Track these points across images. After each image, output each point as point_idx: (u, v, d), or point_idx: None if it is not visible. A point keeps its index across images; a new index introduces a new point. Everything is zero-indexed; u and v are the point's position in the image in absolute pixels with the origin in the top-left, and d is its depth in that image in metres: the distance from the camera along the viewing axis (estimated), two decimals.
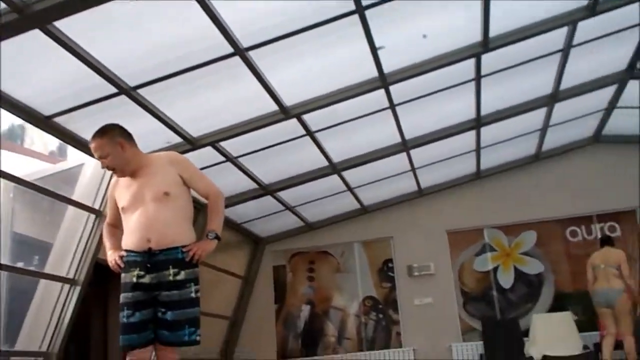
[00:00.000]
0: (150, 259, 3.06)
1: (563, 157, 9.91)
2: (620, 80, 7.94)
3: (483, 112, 7.77)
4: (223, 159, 6.99)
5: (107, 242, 3.37)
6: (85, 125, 5.41)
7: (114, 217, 3.36)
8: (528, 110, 7.99)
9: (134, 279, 3.05)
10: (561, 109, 8.27)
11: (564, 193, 9.64)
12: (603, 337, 7.45)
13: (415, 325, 9.52)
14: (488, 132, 8.35)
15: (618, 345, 7.21)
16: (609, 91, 8.26)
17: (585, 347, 7.87)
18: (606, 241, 7.56)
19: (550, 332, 8.13)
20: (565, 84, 7.64)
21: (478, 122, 7.96)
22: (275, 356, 9.73)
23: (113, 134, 3.18)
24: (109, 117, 5.28)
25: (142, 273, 3.05)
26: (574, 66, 7.16)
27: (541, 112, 8.33)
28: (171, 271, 3.06)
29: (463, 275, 9.75)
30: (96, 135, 3.18)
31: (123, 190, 3.23)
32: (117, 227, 3.32)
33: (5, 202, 5.84)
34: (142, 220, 3.09)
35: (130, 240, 3.13)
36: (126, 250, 3.14)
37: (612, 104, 8.69)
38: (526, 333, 8.39)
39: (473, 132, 8.27)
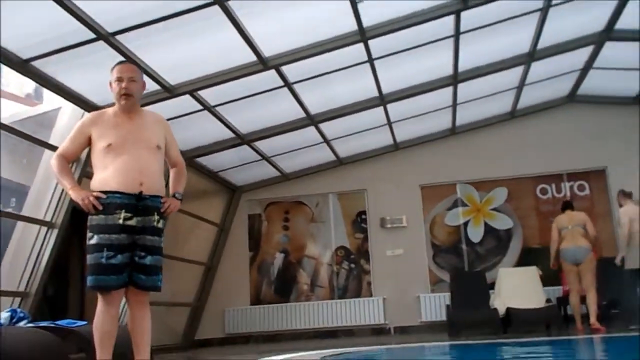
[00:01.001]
0: (139, 202, 3.11)
1: (538, 115, 10.04)
2: (597, 41, 7.98)
3: (460, 69, 7.81)
4: (201, 107, 6.97)
5: (65, 180, 3.22)
6: (62, 70, 5.41)
7: (73, 150, 3.28)
8: (505, 68, 8.04)
9: (120, 221, 3.05)
10: (538, 68, 8.33)
11: (536, 151, 9.82)
12: (567, 293, 7.83)
13: (386, 276, 9.79)
14: (465, 89, 8.41)
15: (581, 299, 7.61)
16: (585, 51, 8.31)
17: (548, 300, 8.19)
18: (568, 206, 7.94)
19: (515, 286, 8.43)
20: (543, 43, 7.68)
21: (455, 79, 7.99)
22: (249, 302, 9.97)
23: (141, 70, 3.40)
24: (86, 62, 5.30)
25: (129, 215, 3.07)
26: (552, 26, 7.19)
27: (518, 70, 8.38)
28: (156, 217, 3.17)
29: (434, 229, 9.99)
30: (129, 62, 3.45)
31: (108, 128, 3.20)
32: (69, 161, 3.32)
33: None
34: (135, 163, 3.13)
35: (118, 180, 3.09)
36: (109, 192, 3.08)
37: (589, 65, 8.76)
38: (492, 286, 8.69)
39: (450, 89, 8.31)
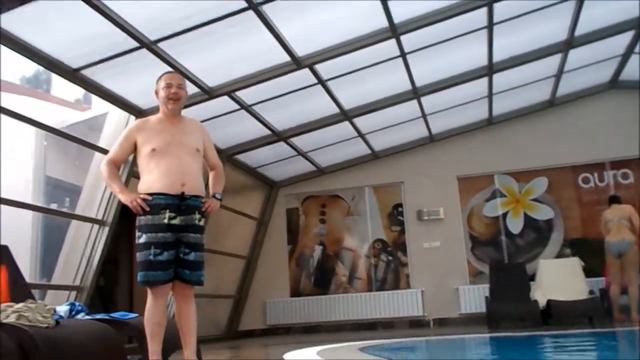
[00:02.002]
0: (182, 202, 3.29)
1: (578, 103, 9.87)
2: (638, 25, 7.81)
3: (495, 59, 7.76)
4: (238, 107, 7.18)
5: (114, 184, 3.44)
6: (109, 76, 5.75)
7: (121, 155, 3.49)
8: (541, 57, 7.95)
9: (166, 220, 3.24)
10: (577, 55, 8.21)
11: (577, 140, 9.67)
12: (610, 284, 7.79)
13: (424, 268, 9.84)
14: (501, 79, 8.35)
15: (623, 292, 7.61)
16: (626, 37, 8.15)
17: (591, 292, 8.09)
18: (614, 200, 8.01)
19: (556, 277, 8.35)
20: (580, 30, 7.57)
21: (490, 69, 7.95)
22: (288, 294, 10.16)
23: (185, 80, 3.65)
24: (131, 69, 5.58)
25: (173, 215, 3.26)
26: (589, 12, 7.08)
27: (556, 58, 8.27)
28: (197, 216, 3.36)
29: (472, 221, 9.97)
30: (176, 72, 3.70)
31: (152, 133, 3.40)
32: (118, 165, 3.52)
33: (39, 149, 6.18)
34: (177, 166, 3.32)
35: (162, 182, 3.29)
36: (154, 194, 3.28)
37: (630, 50, 8.59)
38: (533, 278, 8.64)
39: (485, 79, 8.27)
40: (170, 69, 3.70)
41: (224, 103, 6.89)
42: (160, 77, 3.53)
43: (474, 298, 9.44)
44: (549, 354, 4.89)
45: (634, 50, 8.55)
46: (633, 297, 7.41)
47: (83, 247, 6.07)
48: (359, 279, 10.12)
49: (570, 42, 7.81)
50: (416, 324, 9.61)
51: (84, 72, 5.47)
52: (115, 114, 6.41)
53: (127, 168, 6.13)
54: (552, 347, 5.25)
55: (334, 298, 9.95)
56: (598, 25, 7.67)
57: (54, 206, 6.58)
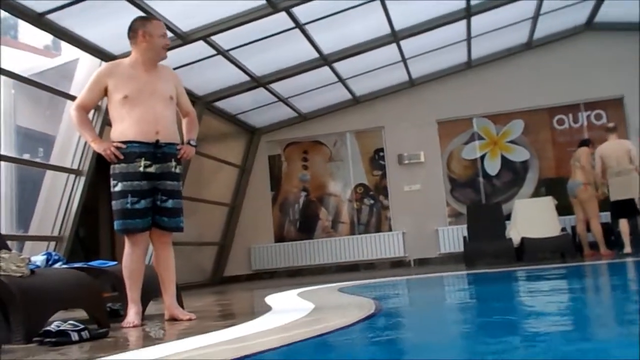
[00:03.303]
0: (157, 149, 3.32)
1: (554, 45, 9.88)
2: None
3: (473, 2, 7.70)
4: (214, 52, 7.09)
5: (86, 132, 3.41)
6: (78, 22, 5.58)
7: (91, 100, 3.45)
8: None
9: (141, 169, 3.27)
10: None
11: (553, 82, 9.73)
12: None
13: (405, 211, 10.03)
14: (479, 21, 8.30)
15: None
16: None
17: (563, 229, 8.37)
18: (583, 143, 8.28)
19: (530, 216, 8.59)
20: None
21: (468, 12, 7.90)
22: (272, 240, 10.35)
23: None
24: (101, 13, 5.43)
25: (148, 163, 3.29)
26: None
27: (533, 1, 8.22)
28: (173, 163, 3.40)
29: (451, 163, 10.12)
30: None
31: (124, 79, 3.35)
32: (88, 110, 3.49)
33: (7, 98, 6.06)
34: (151, 114, 3.32)
35: (136, 130, 3.28)
36: (128, 142, 3.28)
37: None
38: (509, 217, 8.87)
39: (464, 22, 8.22)
40: (142, 14, 3.61)
41: (199, 48, 6.78)
42: (151, 22, 3.47)
43: (452, 238, 9.70)
44: (513, 286, 5.13)
45: None
46: (595, 233, 7.82)
47: (60, 198, 6.06)
48: (343, 223, 10.31)
49: None
50: (398, 264, 9.89)
51: (50, 16, 5.29)
52: (87, 61, 6.25)
53: (100, 116, 6.09)
54: (521, 281, 5.49)
55: (317, 242, 10.16)
56: None
57: (26, 156, 6.51)
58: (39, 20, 5.28)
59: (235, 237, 10.38)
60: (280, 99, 9.26)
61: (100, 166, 6.32)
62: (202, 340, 2.52)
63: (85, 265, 3.61)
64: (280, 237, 10.39)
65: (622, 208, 7.55)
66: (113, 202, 3.31)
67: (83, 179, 6.18)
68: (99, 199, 7.63)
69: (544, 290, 4.32)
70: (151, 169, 3.31)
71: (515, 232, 8.40)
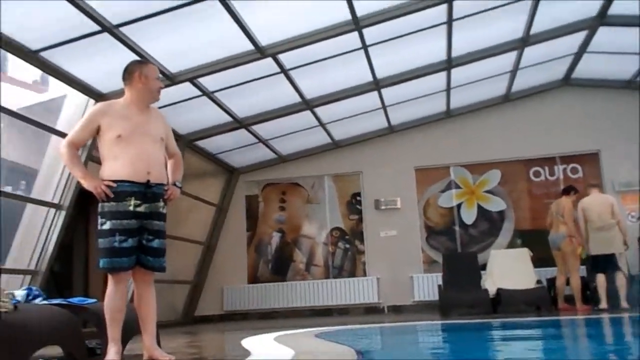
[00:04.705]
0: (147, 189, 3.33)
1: (532, 98, 10.20)
2: (590, 26, 8.11)
3: (454, 54, 7.96)
4: (200, 93, 7.18)
5: (76, 169, 3.40)
6: (69, 60, 5.65)
7: (83, 138, 3.46)
8: (498, 53, 8.18)
9: (131, 208, 3.26)
10: (532, 52, 8.47)
11: (530, 134, 10.01)
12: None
13: (380, 256, 10.05)
14: (459, 73, 8.56)
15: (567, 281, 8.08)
16: (579, 36, 8.45)
17: (538, 281, 8.40)
18: (564, 191, 8.33)
19: (506, 267, 8.63)
20: (536, 28, 7.81)
21: (449, 64, 8.15)
22: (246, 280, 10.23)
23: None
24: (91, 52, 5.52)
25: (138, 202, 3.29)
26: (545, 11, 7.32)
27: (512, 55, 8.53)
28: (161, 203, 3.42)
29: (428, 211, 10.22)
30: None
31: (118, 119, 3.37)
32: (78, 148, 3.50)
33: None
34: (144, 154, 3.35)
35: (128, 170, 3.29)
36: (119, 181, 3.27)
37: (582, 49, 8.90)
38: (484, 267, 8.92)
39: (444, 73, 8.46)
40: (134, 55, 3.69)
41: (185, 89, 6.87)
42: (146, 65, 3.53)
43: (427, 286, 9.71)
44: (490, 337, 5.14)
45: (586, 49, 8.87)
46: (573, 287, 7.87)
47: (39, 231, 6.00)
48: (317, 266, 10.27)
49: (526, 40, 8.06)
50: (371, 310, 9.83)
51: (43, 54, 5.38)
52: (74, 97, 6.31)
53: (85, 152, 6.05)
54: (498, 333, 5.50)
55: (291, 285, 10.07)
56: (553, 24, 7.93)
57: (8, 189, 6.44)
58: (32, 57, 5.35)
59: (209, 276, 10.24)
60: (261, 140, 9.32)
61: (79, 202, 6.27)
62: None
63: (66, 302, 3.53)
64: (253, 278, 10.28)
65: (603, 263, 7.64)
66: (100, 240, 3.27)
67: (63, 213, 6.12)
68: (75, 235, 7.50)
69: (533, 347, 4.31)
70: (141, 209, 3.30)
71: (491, 282, 8.42)
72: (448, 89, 9.10)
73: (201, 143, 8.77)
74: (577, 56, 9.17)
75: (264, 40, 6.25)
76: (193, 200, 9.24)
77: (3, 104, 5.54)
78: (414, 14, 6.33)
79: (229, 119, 8.21)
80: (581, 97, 10.01)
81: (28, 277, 5.86)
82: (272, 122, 8.64)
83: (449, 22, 6.93)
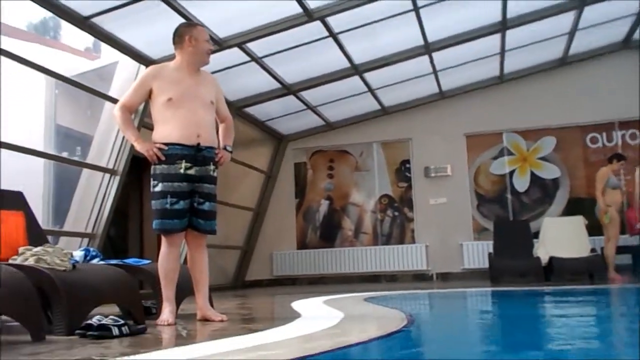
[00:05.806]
0: (197, 152, 3.36)
1: (590, 62, 9.76)
2: None
3: (509, 15, 7.65)
4: (248, 59, 7.17)
5: (129, 132, 3.44)
6: (119, 26, 5.71)
7: (135, 101, 3.50)
8: (555, 13, 7.82)
9: (181, 170, 3.31)
10: (591, 13, 8.07)
11: (587, 99, 9.60)
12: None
13: (429, 224, 9.96)
14: (514, 35, 8.24)
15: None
16: None
17: (593, 250, 8.18)
18: (608, 159, 8.15)
19: (560, 235, 8.42)
20: None
21: (504, 25, 7.85)
22: (295, 247, 10.34)
23: None
24: (142, 17, 5.56)
25: (189, 165, 3.33)
26: None
27: (570, 16, 8.14)
28: (212, 167, 3.45)
29: (479, 178, 10.02)
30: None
31: (169, 82, 3.40)
32: (131, 112, 3.54)
33: (49, 97, 6.20)
34: (194, 117, 3.37)
35: (179, 133, 3.33)
36: (170, 144, 3.31)
37: None
38: (537, 235, 8.72)
39: (498, 35, 8.17)
40: (182, 19, 3.69)
41: (234, 54, 6.87)
42: (195, 28, 3.54)
43: (477, 254, 9.59)
44: (542, 304, 5.03)
45: None
46: (606, 255, 7.78)
47: (95, 196, 6.18)
48: (365, 234, 10.27)
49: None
50: (420, 277, 9.80)
51: (95, 20, 5.43)
52: (126, 64, 6.40)
53: (137, 118, 6.17)
54: (548, 301, 5.38)
55: (339, 251, 10.12)
56: None
57: (65, 154, 6.66)
58: (83, 23, 5.42)
59: (258, 242, 10.40)
60: (309, 107, 9.28)
61: (133, 168, 6.43)
62: (240, 342, 2.51)
63: (122, 262, 3.64)
64: (302, 244, 10.38)
65: None
66: (152, 202, 3.34)
67: (117, 178, 6.28)
68: (129, 200, 7.72)
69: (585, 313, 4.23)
70: (191, 172, 3.34)
71: (544, 250, 8.24)
72: (502, 52, 8.78)
73: (250, 110, 8.81)
74: (638, 17, 8.68)
75: (312, 2, 6.15)
76: (242, 167, 9.35)
77: (58, 71, 5.68)
78: None
79: (278, 85, 8.19)
80: None
81: (86, 240, 6.08)
82: (320, 88, 8.57)
83: None
